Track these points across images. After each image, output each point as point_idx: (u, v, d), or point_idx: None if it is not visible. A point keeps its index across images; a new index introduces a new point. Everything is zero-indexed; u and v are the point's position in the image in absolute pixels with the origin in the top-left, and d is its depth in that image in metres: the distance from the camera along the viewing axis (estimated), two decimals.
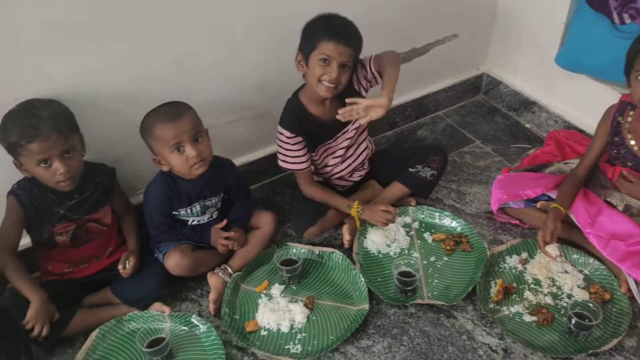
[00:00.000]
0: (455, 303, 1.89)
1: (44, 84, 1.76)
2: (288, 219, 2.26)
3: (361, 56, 1.97)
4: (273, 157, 2.35)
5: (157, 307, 1.89)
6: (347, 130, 2.09)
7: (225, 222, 2.01)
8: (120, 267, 1.88)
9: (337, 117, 1.87)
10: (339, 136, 2.10)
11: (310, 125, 2.02)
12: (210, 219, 2.04)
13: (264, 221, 2.07)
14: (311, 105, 2.01)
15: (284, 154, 2.06)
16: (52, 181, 1.75)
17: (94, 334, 1.83)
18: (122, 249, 1.99)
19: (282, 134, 2.02)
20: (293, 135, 2.00)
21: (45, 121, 1.68)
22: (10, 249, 1.81)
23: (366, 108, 1.83)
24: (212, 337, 1.81)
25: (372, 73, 1.99)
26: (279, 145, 2.05)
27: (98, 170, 1.94)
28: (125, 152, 2.07)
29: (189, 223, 2.01)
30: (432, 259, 2.06)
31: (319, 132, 2.05)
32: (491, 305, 1.88)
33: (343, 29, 1.86)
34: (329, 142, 2.10)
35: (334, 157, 2.15)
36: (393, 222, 2.10)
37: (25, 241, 1.96)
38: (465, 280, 1.96)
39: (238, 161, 2.29)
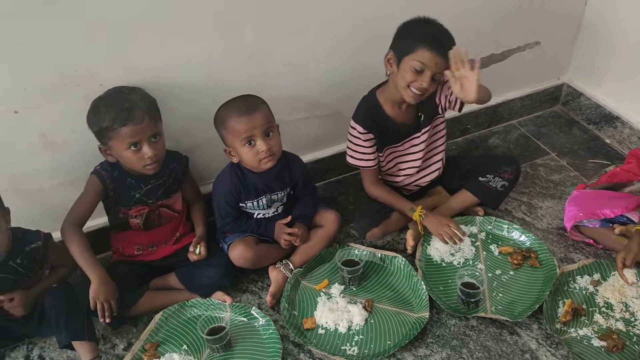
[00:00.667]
0: (519, 320, 1.83)
1: (129, 73, 1.83)
2: (351, 219, 2.25)
3: None
4: (340, 156, 2.36)
5: (219, 296, 1.93)
6: (417, 136, 2.06)
7: (289, 218, 2.02)
8: (191, 249, 1.93)
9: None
10: (406, 141, 2.07)
11: (383, 125, 2.00)
12: (275, 213, 2.06)
13: (328, 220, 2.07)
14: (388, 105, 1.99)
15: (353, 150, 2.05)
16: (140, 165, 1.81)
17: (157, 316, 1.89)
18: (189, 236, 2.05)
19: (354, 128, 2.00)
20: (366, 131, 1.98)
21: (139, 105, 1.75)
22: (79, 225, 1.86)
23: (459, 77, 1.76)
24: (271, 331, 1.83)
25: (455, 97, 1.91)
26: (349, 140, 2.04)
27: (173, 157, 2.00)
28: (198, 142, 2.12)
29: (255, 216, 2.03)
30: (498, 272, 2.00)
31: (390, 133, 2.03)
32: (558, 326, 1.80)
33: (444, 39, 1.79)
34: (396, 145, 2.07)
35: (410, 167, 2.13)
36: (455, 243, 2.05)
37: (100, 221, 2.05)
38: (532, 297, 1.89)
39: (305, 158, 2.28)
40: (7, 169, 1.86)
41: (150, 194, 1.95)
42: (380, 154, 2.08)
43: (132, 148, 1.78)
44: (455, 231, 2.03)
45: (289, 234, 1.98)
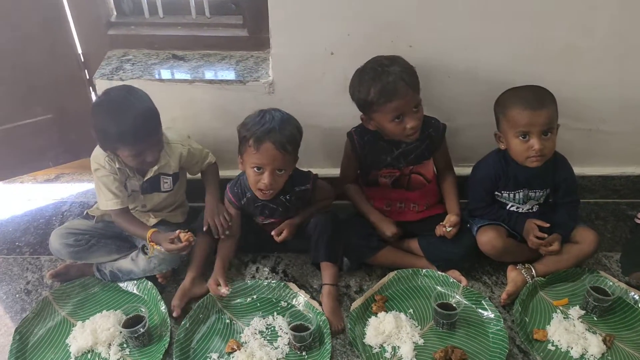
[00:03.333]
0: None
1: (435, 39, 1.89)
2: (604, 246, 2.09)
3: None
4: (609, 179, 2.21)
5: (456, 275, 1.94)
6: None
7: (547, 225, 1.92)
8: (444, 223, 1.95)
9: None
10: None
11: None
12: (530, 210, 1.99)
13: (587, 238, 1.94)
14: None
15: None
16: (402, 135, 1.87)
17: (392, 274, 1.98)
18: (438, 207, 2.08)
19: None
20: None
21: (402, 77, 1.77)
22: (349, 182, 2.08)
23: None
24: (499, 327, 1.79)
25: None
26: None
27: (429, 123, 1.99)
28: (466, 123, 2.13)
29: (507, 207, 1.99)
30: None
31: None
32: None
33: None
34: None
35: None
36: None
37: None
38: None
39: None
40: (307, 101, 2.04)
41: (402, 158, 1.99)
42: None
43: (396, 120, 1.83)
44: None
45: (539, 237, 1.90)
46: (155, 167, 1.88)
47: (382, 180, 2.06)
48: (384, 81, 1.76)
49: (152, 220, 2.00)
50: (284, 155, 1.74)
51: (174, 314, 1.83)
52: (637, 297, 1.89)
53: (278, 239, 1.93)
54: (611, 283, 1.91)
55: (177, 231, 1.81)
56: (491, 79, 1.98)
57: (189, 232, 1.81)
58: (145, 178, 1.91)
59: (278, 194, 1.88)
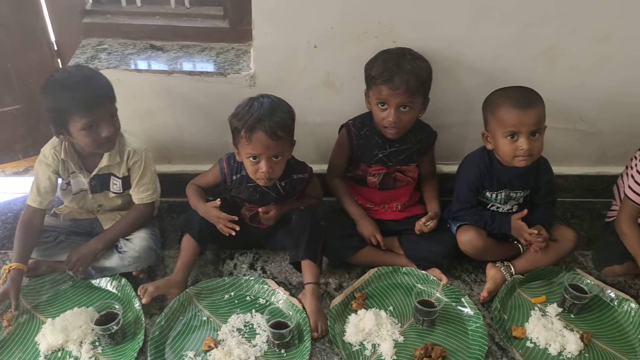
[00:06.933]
0: None
1: (424, 37, 1.89)
2: (580, 244, 2.10)
3: None
4: (586, 179, 2.26)
5: (436, 273, 1.93)
6: None
7: (525, 211, 1.91)
8: (422, 221, 1.96)
9: None
10: None
11: None
12: (510, 210, 2.00)
13: (565, 237, 1.97)
14: None
15: (636, 181, 1.89)
16: (381, 123, 1.89)
17: (372, 271, 1.96)
18: (418, 207, 2.10)
19: None
20: None
21: (407, 73, 1.78)
22: (339, 176, 2.08)
23: None
24: (478, 325, 1.80)
25: None
26: (637, 171, 1.90)
27: (423, 129, 2.03)
28: (452, 122, 2.13)
29: (488, 207, 2.00)
30: None
31: None
32: None
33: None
34: None
35: None
36: None
37: None
38: None
39: None
40: (288, 95, 2.00)
41: (392, 156, 2.00)
42: None
43: (380, 106, 1.86)
44: None
45: (537, 234, 1.89)
46: (103, 165, 1.82)
47: (371, 179, 2.06)
48: (389, 65, 1.80)
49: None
50: (278, 141, 1.71)
51: (143, 301, 1.77)
52: (614, 295, 1.92)
53: (265, 216, 1.91)
54: (588, 281, 1.94)
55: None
56: (473, 78, 1.99)
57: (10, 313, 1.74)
58: (93, 174, 1.84)
59: None
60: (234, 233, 1.83)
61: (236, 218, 1.85)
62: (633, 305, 1.87)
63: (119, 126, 1.77)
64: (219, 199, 1.84)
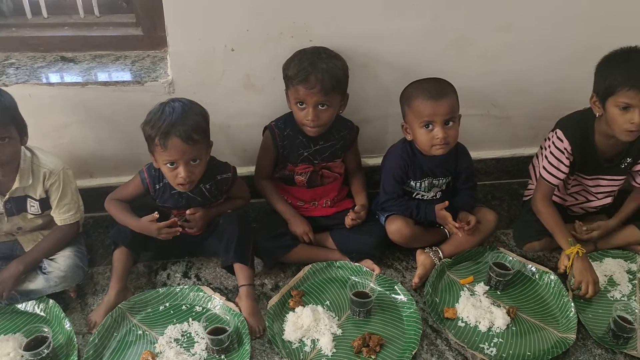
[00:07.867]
0: None
1: (339, 35, 1.92)
2: (502, 224, 2.22)
3: None
4: (503, 161, 2.36)
5: (368, 264, 1.98)
6: (607, 178, 2.02)
7: (446, 203, 1.99)
8: (351, 214, 2.00)
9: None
10: (596, 178, 2.03)
11: (587, 151, 1.95)
12: (434, 197, 2.08)
13: (486, 218, 2.06)
14: (600, 134, 1.92)
15: (550, 162, 1.98)
16: (301, 122, 1.92)
17: (306, 268, 1.99)
18: (346, 201, 2.14)
19: (561, 141, 1.94)
20: (571, 151, 1.93)
21: (322, 74, 1.81)
22: (267, 178, 2.10)
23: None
24: (412, 310, 1.86)
25: None
26: (551, 152, 1.98)
27: (345, 125, 2.07)
28: (374, 116, 2.19)
29: (413, 196, 2.07)
30: None
31: (588, 163, 1.98)
32: None
33: None
34: (585, 177, 2.03)
35: (586, 199, 2.09)
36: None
37: None
38: None
39: None
40: (209, 100, 2.00)
41: (317, 154, 2.04)
42: (571, 177, 2.04)
43: (299, 105, 1.88)
44: (591, 293, 1.89)
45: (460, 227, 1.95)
46: (15, 187, 1.75)
47: (298, 178, 2.08)
48: (305, 65, 1.82)
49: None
50: (194, 145, 1.70)
51: (93, 331, 1.72)
52: (535, 269, 2.03)
53: (192, 217, 1.89)
54: (510, 258, 2.05)
55: None
56: (389, 73, 2.05)
57: None
58: (6, 197, 1.77)
59: (197, 182, 1.83)
60: (180, 230, 1.83)
61: (176, 220, 1.83)
62: (552, 277, 1.99)
63: (17, 148, 1.70)
64: (156, 212, 1.81)
